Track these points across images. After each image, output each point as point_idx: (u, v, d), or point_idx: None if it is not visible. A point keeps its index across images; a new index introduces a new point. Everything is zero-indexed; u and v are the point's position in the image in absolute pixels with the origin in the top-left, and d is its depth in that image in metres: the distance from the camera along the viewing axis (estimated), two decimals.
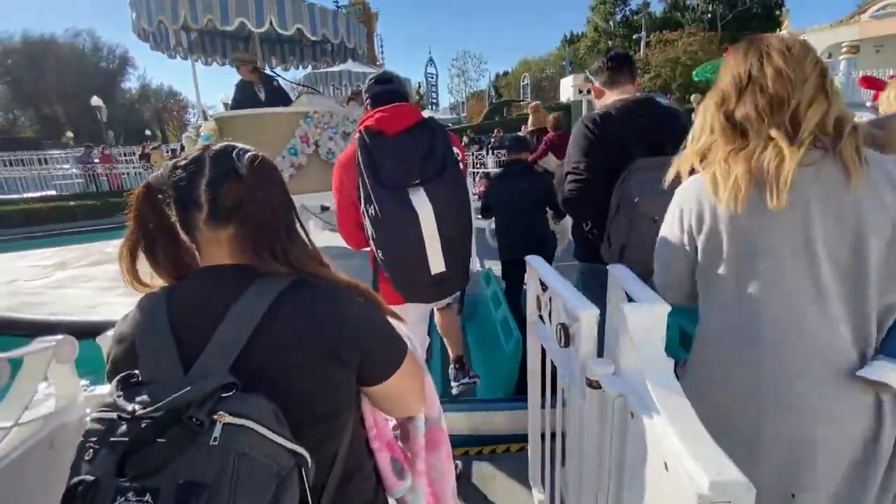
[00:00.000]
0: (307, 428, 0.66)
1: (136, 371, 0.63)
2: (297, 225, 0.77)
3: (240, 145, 0.73)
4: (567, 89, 16.79)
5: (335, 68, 7.35)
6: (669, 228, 1.06)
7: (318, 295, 0.72)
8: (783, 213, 0.88)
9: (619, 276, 1.20)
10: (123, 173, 14.50)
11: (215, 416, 0.54)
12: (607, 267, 1.28)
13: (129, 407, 0.56)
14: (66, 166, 15.52)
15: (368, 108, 1.69)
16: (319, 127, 3.95)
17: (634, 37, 30.83)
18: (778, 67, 0.89)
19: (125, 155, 16.80)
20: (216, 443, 0.53)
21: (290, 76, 5.93)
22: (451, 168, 1.60)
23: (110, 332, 0.74)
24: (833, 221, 0.87)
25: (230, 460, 0.53)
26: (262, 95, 4.50)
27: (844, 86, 14.61)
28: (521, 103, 27.12)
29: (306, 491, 0.61)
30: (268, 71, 5.13)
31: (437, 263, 1.61)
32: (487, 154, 12.45)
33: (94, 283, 4.81)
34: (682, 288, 1.10)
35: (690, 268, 1.05)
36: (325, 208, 6.07)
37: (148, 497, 0.50)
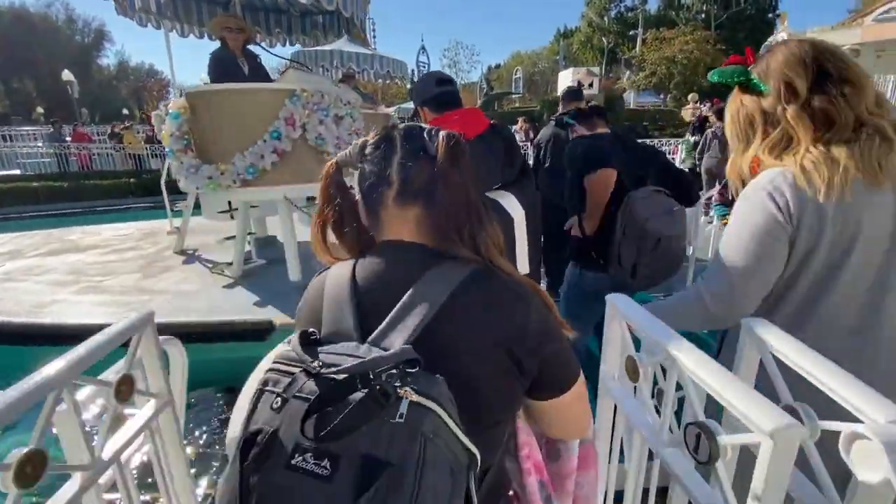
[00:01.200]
0: (472, 431, 0.56)
1: (314, 330, 0.63)
2: (486, 215, 0.72)
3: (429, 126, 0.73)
4: (566, 83, 16.36)
5: (326, 47, 6.74)
6: (754, 228, 0.95)
7: (505, 290, 0.68)
8: (885, 199, 0.90)
9: (622, 306, 0.99)
10: (95, 153, 13.61)
11: (401, 392, 0.51)
12: (606, 297, 1.06)
13: (315, 363, 0.55)
14: (38, 144, 14.52)
15: (426, 110, 1.66)
16: (308, 108, 3.42)
17: (630, 33, 30.59)
18: (852, 61, 0.94)
19: (99, 134, 15.84)
20: (401, 419, 0.49)
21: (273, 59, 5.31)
22: (530, 173, 1.67)
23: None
24: None
25: (417, 442, 0.49)
26: (245, 70, 3.94)
27: None
28: (514, 96, 26.70)
29: (472, 496, 0.55)
30: (250, 47, 4.57)
31: (523, 266, 1.61)
32: None
33: (50, 275, 4.30)
34: (764, 291, 0.99)
35: (783, 265, 0.97)
36: (312, 199, 5.53)
37: (327, 462, 0.49)
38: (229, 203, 4.50)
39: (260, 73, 4.02)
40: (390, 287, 0.65)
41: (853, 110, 0.91)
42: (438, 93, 1.65)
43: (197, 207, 4.78)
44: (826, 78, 0.93)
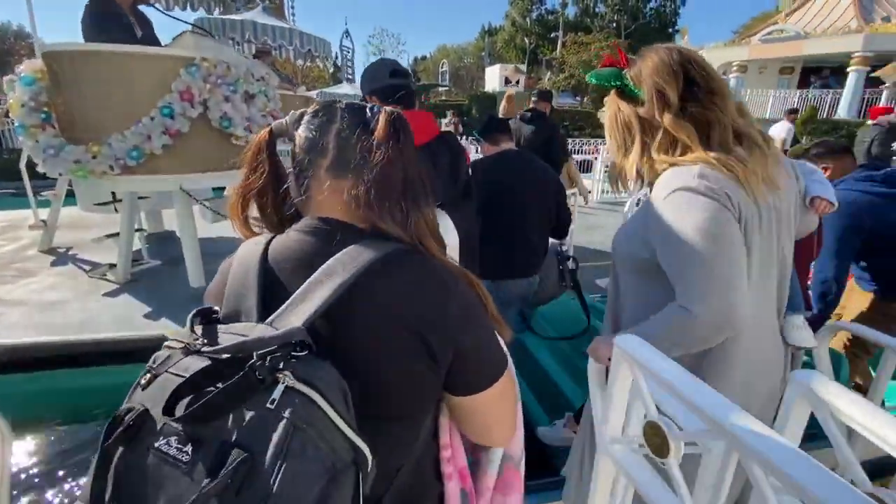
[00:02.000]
0: (374, 423, 0.54)
1: (216, 308, 0.61)
2: (424, 195, 0.67)
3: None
4: (493, 79, 16.48)
5: (236, 16, 5.93)
6: (710, 222, 0.90)
7: (428, 271, 0.63)
8: (778, 201, 0.99)
9: (636, 352, 0.76)
10: None
11: (279, 375, 0.47)
12: (614, 339, 0.83)
13: (198, 340, 0.53)
14: None
15: (375, 99, 1.49)
16: (210, 82, 2.84)
17: (551, 35, 31.84)
18: (714, 70, 1.01)
19: None
20: (272, 406, 0.46)
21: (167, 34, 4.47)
22: (473, 195, 1.54)
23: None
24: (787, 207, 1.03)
25: (283, 431, 0.45)
26: (137, 33, 3.21)
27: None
28: (441, 89, 26.55)
29: (359, 498, 0.50)
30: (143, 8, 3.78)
31: None
32: None
33: None
34: (745, 280, 0.93)
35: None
36: (217, 191, 4.83)
37: (189, 448, 0.46)
38: (113, 193, 3.72)
39: (152, 43, 3.30)
40: (305, 263, 0.60)
41: (727, 117, 0.97)
42: (390, 84, 1.55)
43: (71, 196, 3.92)
44: (693, 85, 0.98)
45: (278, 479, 0.43)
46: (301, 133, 0.67)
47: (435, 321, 0.59)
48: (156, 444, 0.47)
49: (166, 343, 0.56)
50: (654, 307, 0.98)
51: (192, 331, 0.55)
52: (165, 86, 2.76)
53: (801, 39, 15.24)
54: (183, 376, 0.49)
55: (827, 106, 14.61)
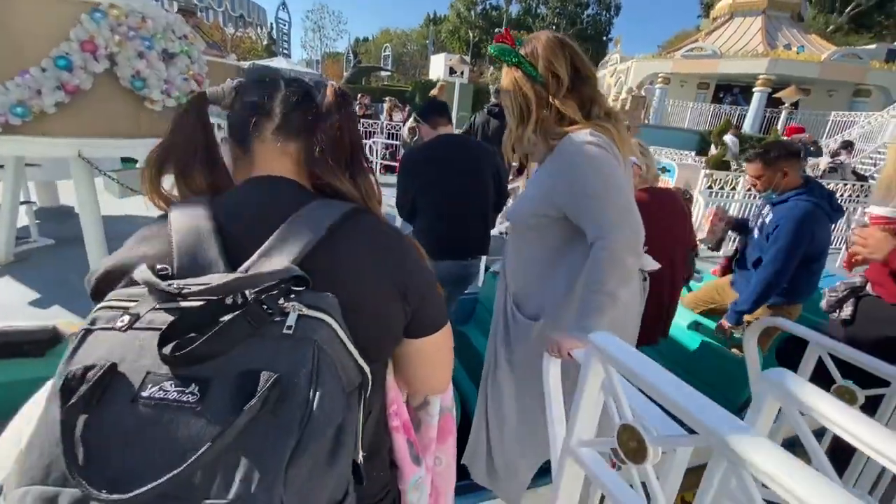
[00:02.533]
0: None
1: (164, 266, 0.53)
2: (366, 160, 0.72)
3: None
4: (438, 67, 16.26)
5: None
6: (611, 170, 1.07)
7: (388, 229, 0.68)
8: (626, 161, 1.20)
9: (610, 347, 0.72)
10: None
11: (287, 305, 0.48)
12: (588, 336, 0.79)
13: (171, 284, 0.48)
14: None
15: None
16: (120, 33, 2.44)
17: (494, 31, 32.20)
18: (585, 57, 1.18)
19: None
20: (290, 331, 0.46)
21: None
22: None
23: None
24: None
25: (309, 351, 0.46)
26: None
27: (657, 109, 17.45)
28: (384, 73, 25.87)
29: (358, 425, 0.53)
30: None
31: None
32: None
33: None
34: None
35: None
36: (127, 162, 4.28)
37: (194, 387, 0.43)
38: None
39: None
40: (263, 218, 0.59)
41: (601, 95, 1.16)
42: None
43: None
44: (575, 68, 1.13)
45: (315, 398, 0.44)
46: (244, 98, 0.68)
47: (402, 272, 0.64)
48: (143, 395, 0.43)
49: (107, 305, 0.50)
50: (528, 262, 1.24)
51: (154, 283, 0.49)
52: (62, 33, 2.32)
53: (717, 58, 16.71)
54: (158, 329, 0.45)
55: (735, 121, 16.20)
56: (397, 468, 0.77)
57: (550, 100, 1.13)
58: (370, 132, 10.64)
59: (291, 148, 0.66)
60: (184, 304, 0.47)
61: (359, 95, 12.13)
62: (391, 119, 11.19)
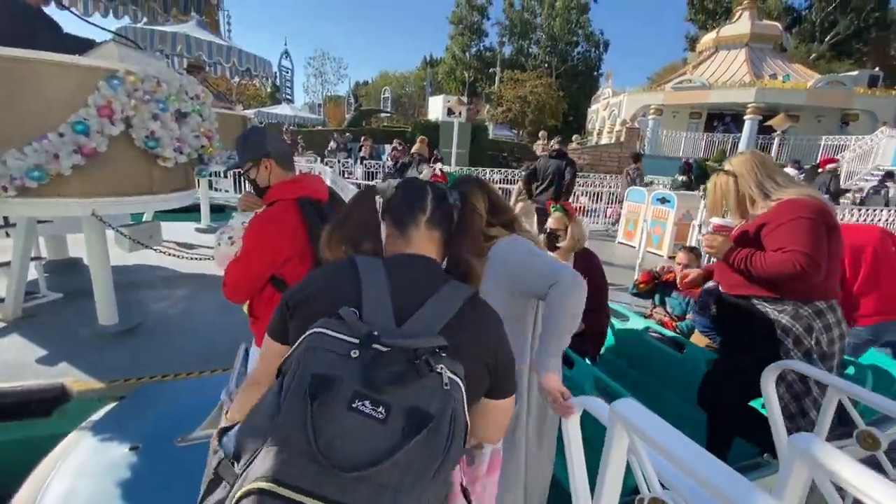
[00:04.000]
0: None
1: (354, 310, 0.76)
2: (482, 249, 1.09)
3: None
4: (437, 108, 16.80)
5: (168, 27, 5.53)
6: (535, 247, 1.51)
7: (489, 312, 0.89)
8: None
9: (633, 417, 0.76)
10: None
11: (438, 368, 0.69)
12: (611, 406, 1.07)
13: (376, 333, 0.70)
14: None
15: (273, 163, 1.70)
16: (136, 97, 2.55)
17: (489, 71, 33.37)
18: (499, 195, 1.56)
19: None
20: (448, 387, 0.68)
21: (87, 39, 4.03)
22: None
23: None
24: None
25: (451, 404, 0.68)
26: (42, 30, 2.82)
27: (651, 139, 17.83)
28: (383, 115, 26.65)
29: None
30: (52, 10, 3.39)
31: None
32: (356, 164, 11.34)
33: None
34: None
35: None
36: (137, 216, 4.36)
37: (381, 409, 0.63)
38: (5, 217, 3.21)
39: (65, 46, 2.93)
40: (418, 288, 0.84)
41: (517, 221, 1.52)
42: (286, 150, 1.74)
43: None
44: (493, 204, 1.46)
45: (453, 437, 0.66)
46: (404, 195, 0.97)
47: (498, 349, 0.86)
48: (353, 405, 0.63)
49: (322, 332, 0.72)
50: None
51: (362, 330, 0.71)
52: (81, 99, 2.43)
53: (707, 89, 17.23)
54: (365, 358, 0.68)
55: (728, 148, 16.51)
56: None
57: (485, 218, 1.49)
58: (372, 173, 10.89)
59: (436, 234, 0.94)
60: (382, 348, 0.68)
61: (362, 138, 12.50)
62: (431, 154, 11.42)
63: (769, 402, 1.50)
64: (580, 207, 9.86)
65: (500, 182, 10.88)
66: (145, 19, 5.12)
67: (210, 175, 8.07)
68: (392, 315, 0.76)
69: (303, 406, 0.63)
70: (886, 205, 8.36)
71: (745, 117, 16.40)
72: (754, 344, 1.77)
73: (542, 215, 5.65)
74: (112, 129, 2.49)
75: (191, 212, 7.39)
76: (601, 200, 10.29)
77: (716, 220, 1.84)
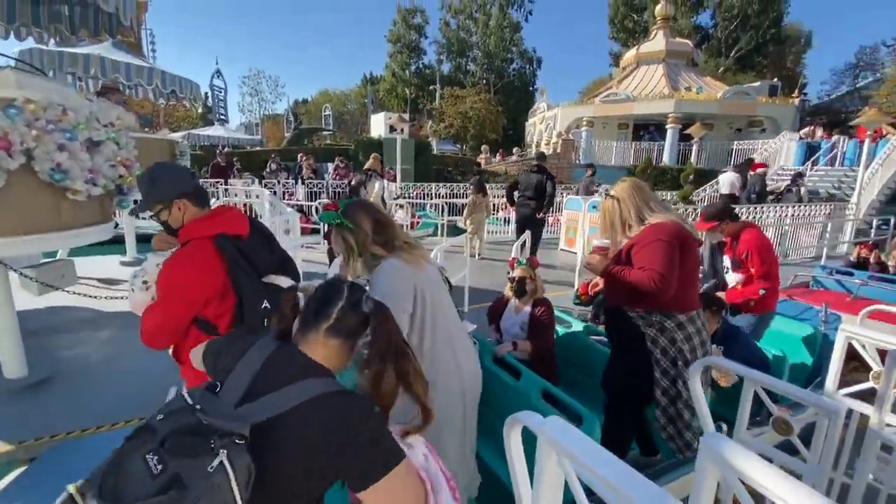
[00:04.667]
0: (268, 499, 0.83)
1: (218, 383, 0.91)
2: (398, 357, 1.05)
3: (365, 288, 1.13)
4: (378, 126, 16.79)
5: (80, 49, 5.14)
6: (403, 283, 1.65)
7: (329, 419, 0.87)
8: (428, 273, 1.73)
9: (560, 437, 0.88)
10: None
11: (221, 451, 0.75)
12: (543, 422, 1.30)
13: (197, 405, 0.82)
14: None
15: (187, 202, 1.62)
16: (37, 127, 2.34)
17: (430, 87, 33.93)
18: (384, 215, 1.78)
19: None
20: (211, 469, 0.74)
21: None
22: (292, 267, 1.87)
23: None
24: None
25: (207, 485, 0.73)
26: None
27: (585, 150, 18.81)
28: (325, 133, 26.23)
29: None
30: None
31: None
32: (297, 184, 11.01)
33: None
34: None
35: None
36: (49, 254, 3.98)
37: (161, 466, 0.74)
38: None
39: None
40: (274, 382, 0.89)
41: (399, 238, 1.69)
42: (199, 185, 1.67)
43: None
44: (377, 221, 1.66)
45: None
46: (315, 298, 1.04)
47: (332, 449, 0.85)
48: (146, 455, 0.75)
49: (190, 392, 0.87)
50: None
51: (198, 396, 0.86)
52: None
53: (631, 102, 18.51)
54: (174, 424, 0.79)
55: (655, 155, 17.77)
56: None
57: (365, 243, 1.63)
58: (315, 193, 10.64)
59: (334, 342, 1.00)
60: (203, 418, 0.79)
61: (300, 157, 12.19)
62: (340, 177, 11.25)
63: (696, 397, 1.60)
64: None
65: (446, 196, 11.02)
66: (53, 41, 4.74)
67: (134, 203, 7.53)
68: (240, 395, 0.86)
69: (122, 444, 0.80)
70: (800, 201, 9.50)
71: (666, 126, 17.75)
72: (631, 351, 2.02)
73: (526, 223, 6.34)
74: (10, 162, 2.26)
75: (116, 243, 6.86)
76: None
77: (595, 242, 2.06)
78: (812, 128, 15.84)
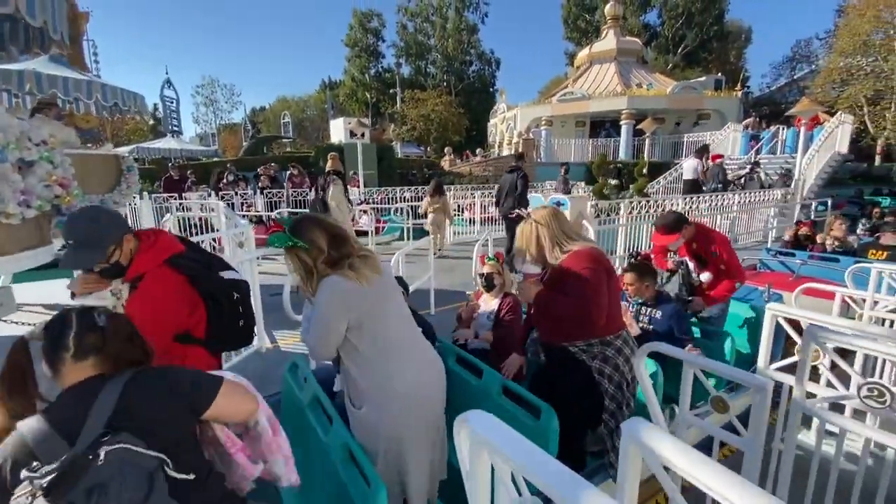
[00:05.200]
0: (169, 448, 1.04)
1: (35, 464, 0.94)
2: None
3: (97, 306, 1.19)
4: (338, 131, 16.59)
5: (13, 65, 4.86)
6: (332, 301, 1.63)
7: (158, 377, 1.13)
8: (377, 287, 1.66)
9: (485, 431, 0.79)
10: None
11: (100, 451, 0.93)
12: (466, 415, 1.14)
13: (43, 471, 0.91)
14: None
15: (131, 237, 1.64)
16: None
17: (390, 91, 33.79)
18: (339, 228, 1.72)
19: None
20: (102, 461, 0.91)
21: None
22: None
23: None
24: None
25: (116, 467, 0.92)
26: None
27: (546, 147, 19.21)
28: (285, 140, 25.73)
29: (174, 479, 1.01)
30: None
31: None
32: (256, 194, 10.73)
33: None
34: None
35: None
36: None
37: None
38: None
39: None
40: (82, 414, 1.00)
41: (351, 249, 1.65)
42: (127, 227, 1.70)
43: None
44: (334, 237, 1.62)
45: (123, 488, 0.93)
46: (45, 339, 1.07)
47: (171, 395, 1.12)
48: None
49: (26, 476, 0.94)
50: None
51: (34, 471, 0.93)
52: None
53: (586, 100, 19.08)
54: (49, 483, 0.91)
55: (611, 150, 18.38)
56: (245, 471, 1.24)
57: (315, 260, 1.60)
58: (275, 202, 10.42)
59: (88, 362, 1.07)
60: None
61: (261, 167, 11.89)
62: (295, 185, 11.05)
63: (643, 384, 1.67)
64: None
65: (411, 199, 11.01)
66: None
67: None
68: (64, 443, 0.94)
69: None
70: (762, 187, 10.66)
71: (621, 122, 18.40)
72: (581, 385, 2.04)
73: (507, 221, 6.77)
74: None
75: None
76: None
77: (526, 269, 2.08)
78: (754, 118, 16.79)
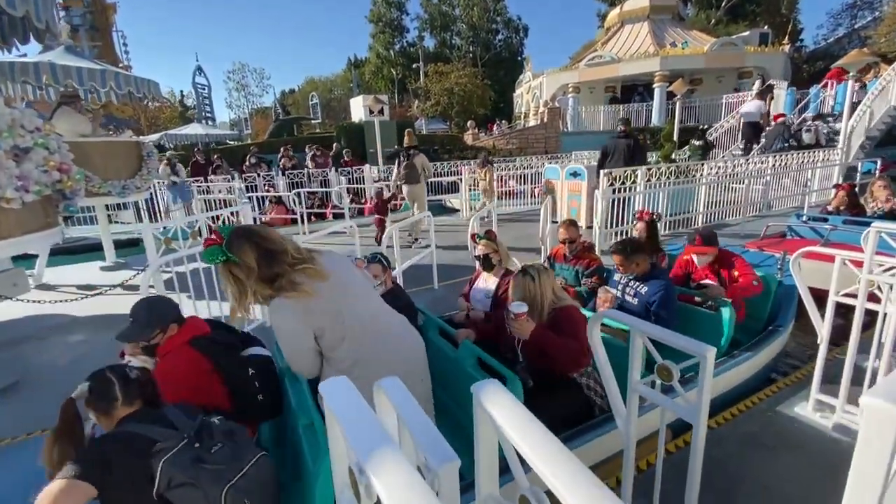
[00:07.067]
0: None
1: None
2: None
3: (130, 363, 1.69)
4: (357, 110, 16.59)
5: (29, 58, 5.10)
6: (295, 326, 1.68)
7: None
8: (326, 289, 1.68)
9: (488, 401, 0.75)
10: None
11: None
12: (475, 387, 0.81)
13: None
14: None
15: (174, 325, 1.90)
16: None
17: (414, 66, 33.29)
18: (273, 236, 1.67)
19: None
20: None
21: None
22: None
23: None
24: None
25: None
26: None
27: (573, 116, 18.42)
28: (313, 121, 25.96)
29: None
30: None
31: None
32: (279, 175, 10.97)
33: None
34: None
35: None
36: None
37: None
38: None
39: None
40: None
41: (285, 265, 1.60)
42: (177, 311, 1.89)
43: None
44: (265, 252, 1.57)
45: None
46: (92, 395, 1.41)
47: None
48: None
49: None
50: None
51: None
52: None
53: (616, 63, 18.08)
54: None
55: (643, 117, 17.44)
56: None
57: (249, 279, 1.56)
58: (297, 182, 10.62)
59: (137, 402, 1.42)
60: None
61: (282, 148, 12.11)
62: (316, 165, 11.20)
63: (599, 363, 1.61)
64: (510, 191, 10.10)
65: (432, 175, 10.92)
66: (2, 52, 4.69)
67: (109, 209, 7.57)
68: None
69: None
70: (818, 142, 10.22)
71: (654, 85, 17.36)
72: (578, 405, 2.24)
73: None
74: None
75: (96, 250, 6.93)
76: (528, 182, 10.57)
77: (515, 309, 2.15)
78: (761, 81, 15.53)
